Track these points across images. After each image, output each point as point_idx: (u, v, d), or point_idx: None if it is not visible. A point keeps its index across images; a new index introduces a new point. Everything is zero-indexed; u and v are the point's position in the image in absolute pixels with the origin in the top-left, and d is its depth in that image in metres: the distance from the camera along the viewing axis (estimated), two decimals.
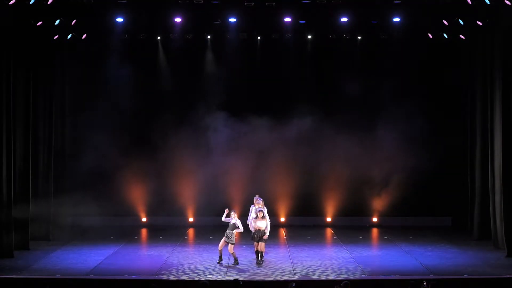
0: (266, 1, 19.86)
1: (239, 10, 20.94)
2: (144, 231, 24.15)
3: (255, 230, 17.97)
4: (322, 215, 24.75)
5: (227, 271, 17.09)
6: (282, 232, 22.90)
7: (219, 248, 18.08)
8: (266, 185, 23.77)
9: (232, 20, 21.72)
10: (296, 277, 16.38)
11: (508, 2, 18.64)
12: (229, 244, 17.85)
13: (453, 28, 21.85)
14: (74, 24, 21.48)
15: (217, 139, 23.91)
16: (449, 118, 24.44)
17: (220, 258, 18.08)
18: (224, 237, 17.95)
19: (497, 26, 19.75)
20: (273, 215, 21.63)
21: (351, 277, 16.26)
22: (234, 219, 18.02)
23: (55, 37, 22.07)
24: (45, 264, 17.88)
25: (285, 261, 18.41)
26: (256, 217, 18.12)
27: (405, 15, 21.25)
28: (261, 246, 17.91)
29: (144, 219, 24.92)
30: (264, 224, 17.88)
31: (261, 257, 18.01)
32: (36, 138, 21.10)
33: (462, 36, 22.54)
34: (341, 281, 13.35)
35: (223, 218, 18.11)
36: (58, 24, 21.06)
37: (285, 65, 24.41)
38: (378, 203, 24.75)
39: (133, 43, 23.75)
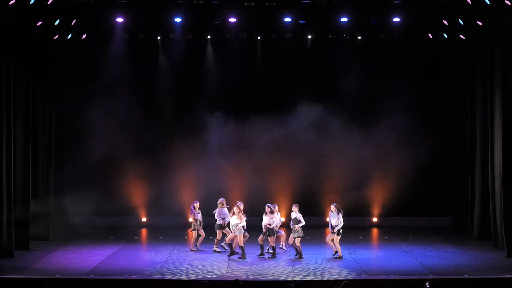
0: (266, 1, 19.87)
1: (239, 10, 20.95)
2: (144, 231, 24.16)
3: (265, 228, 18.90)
4: (322, 215, 24.71)
5: (227, 271, 17.09)
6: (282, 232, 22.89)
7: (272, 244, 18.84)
8: (266, 185, 23.81)
9: (232, 20, 21.72)
10: (296, 277, 16.39)
11: (508, 2, 18.64)
12: (296, 238, 18.61)
13: (453, 28, 21.85)
14: (74, 24, 21.48)
15: (217, 139, 23.93)
16: (449, 118, 24.44)
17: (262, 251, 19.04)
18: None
19: (497, 26, 19.74)
20: None
21: (351, 277, 16.26)
22: (295, 213, 18.80)
23: (55, 37, 22.05)
24: (45, 264, 17.88)
25: (285, 261, 18.42)
26: (265, 214, 18.88)
27: (405, 15, 21.24)
28: (271, 240, 18.80)
29: (144, 219, 24.93)
30: (269, 220, 18.77)
31: (274, 250, 18.97)
32: (36, 138, 21.09)
33: (462, 36, 22.54)
34: (341, 281, 13.36)
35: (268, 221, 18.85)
36: (58, 24, 21.05)
37: (285, 65, 24.41)
38: (378, 203, 24.76)
39: (133, 43, 23.75)
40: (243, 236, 18.77)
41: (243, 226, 18.79)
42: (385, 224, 24.68)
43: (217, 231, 19.62)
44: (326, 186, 24.12)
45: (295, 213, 18.91)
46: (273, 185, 24.01)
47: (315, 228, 24.00)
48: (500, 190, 19.37)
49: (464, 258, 18.78)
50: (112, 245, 20.70)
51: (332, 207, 19.03)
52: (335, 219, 18.88)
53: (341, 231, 18.85)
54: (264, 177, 24.00)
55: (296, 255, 18.90)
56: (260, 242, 19.08)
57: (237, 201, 19.63)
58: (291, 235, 18.91)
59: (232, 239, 18.89)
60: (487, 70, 20.68)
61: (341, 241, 21.40)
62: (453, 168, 24.07)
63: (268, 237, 18.79)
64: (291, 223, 18.96)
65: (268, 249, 19.21)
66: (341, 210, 18.96)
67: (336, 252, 18.96)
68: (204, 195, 22.29)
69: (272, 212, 18.86)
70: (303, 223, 18.76)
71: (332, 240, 18.98)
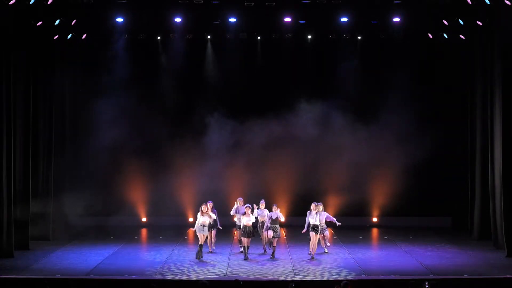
0: (266, 1, 19.89)
1: (239, 10, 20.98)
2: (144, 231, 24.17)
3: (243, 226, 18.71)
4: None
5: (227, 271, 17.10)
6: (282, 232, 22.87)
7: (247, 244, 18.64)
8: (266, 185, 23.84)
9: (232, 20, 21.75)
10: (296, 277, 16.39)
11: (508, 2, 18.64)
12: (276, 238, 18.74)
13: (453, 28, 21.86)
14: (74, 24, 21.50)
15: (217, 139, 23.92)
16: (449, 118, 24.44)
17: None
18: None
19: (497, 26, 19.74)
20: None
21: (351, 277, 16.26)
22: (276, 213, 18.84)
23: (55, 37, 22.05)
24: (45, 264, 17.88)
25: (285, 261, 18.43)
26: (245, 213, 18.77)
27: (405, 15, 21.27)
28: (248, 241, 18.69)
29: (144, 219, 24.94)
30: (250, 221, 18.73)
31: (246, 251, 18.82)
32: (36, 138, 21.10)
33: (462, 36, 22.55)
34: (341, 281, 13.36)
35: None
36: (58, 24, 21.07)
37: (285, 65, 24.42)
38: (378, 203, 24.76)
39: (133, 43, 23.76)
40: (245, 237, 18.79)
41: (209, 224, 18.71)
42: (385, 224, 24.69)
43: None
44: (326, 186, 24.11)
45: (276, 213, 18.94)
46: (273, 185, 24.02)
47: None
48: (500, 190, 19.37)
49: (464, 258, 18.78)
50: (112, 245, 20.70)
51: (321, 207, 19.07)
52: (317, 218, 18.73)
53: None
54: (264, 177, 24.00)
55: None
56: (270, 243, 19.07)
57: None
58: (273, 234, 18.82)
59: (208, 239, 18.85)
60: (487, 70, 20.68)
61: (341, 241, 21.51)
62: (453, 168, 24.07)
63: (243, 237, 18.68)
64: (271, 223, 18.89)
65: (241, 251, 19.18)
66: None
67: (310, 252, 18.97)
68: (205, 194, 22.28)
69: (252, 212, 18.81)
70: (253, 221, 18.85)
71: (318, 239, 18.95)
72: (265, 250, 19.37)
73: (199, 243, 18.53)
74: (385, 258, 19.09)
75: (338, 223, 19.60)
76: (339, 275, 16.49)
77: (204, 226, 18.58)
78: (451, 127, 24.28)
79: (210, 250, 19.43)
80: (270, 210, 19.12)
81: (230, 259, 18.58)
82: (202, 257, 18.40)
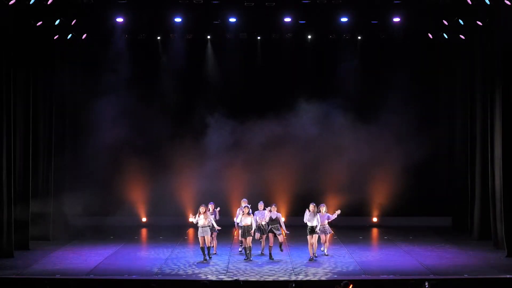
0: (266, 1, 19.89)
1: (239, 10, 20.98)
2: (144, 231, 24.17)
3: (243, 226, 18.53)
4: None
5: (227, 271, 17.09)
6: (282, 232, 22.90)
7: (249, 244, 18.43)
8: (266, 185, 23.82)
9: (232, 20, 21.76)
10: (296, 277, 16.39)
11: (508, 2, 18.63)
12: (279, 236, 18.72)
13: (453, 28, 21.86)
14: (74, 24, 21.50)
15: (217, 139, 23.92)
16: (449, 118, 24.46)
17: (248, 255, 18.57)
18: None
19: (497, 26, 19.74)
20: None
21: (351, 277, 16.24)
22: (275, 213, 18.83)
23: (55, 37, 22.05)
24: (45, 264, 17.88)
25: (285, 261, 18.43)
26: (243, 214, 18.64)
27: (405, 15, 21.27)
28: (249, 241, 18.47)
29: (144, 219, 24.94)
30: (250, 220, 18.54)
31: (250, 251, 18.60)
32: (36, 138, 21.09)
33: (462, 36, 22.55)
34: (341, 281, 13.33)
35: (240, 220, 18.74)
36: (58, 24, 21.07)
37: (285, 65, 24.43)
38: (378, 203, 24.76)
39: (133, 43, 23.77)
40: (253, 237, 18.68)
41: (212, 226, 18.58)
42: (385, 224, 24.69)
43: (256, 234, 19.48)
44: (326, 186, 24.11)
45: (276, 214, 18.88)
46: (273, 185, 24.01)
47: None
48: (500, 190, 19.36)
49: (464, 258, 18.77)
50: (112, 245, 20.70)
51: (324, 208, 19.01)
52: (314, 220, 18.56)
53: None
54: (264, 177, 23.99)
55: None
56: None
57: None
58: (275, 233, 18.76)
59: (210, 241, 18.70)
60: (487, 70, 20.68)
61: (341, 241, 21.51)
62: (453, 168, 24.08)
63: (243, 238, 18.57)
64: (270, 223, 18.81)
65: (240, 251, 19.19)
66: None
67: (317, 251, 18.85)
68: (204, 194, 22.30)
69: (249, 213, 18.67)
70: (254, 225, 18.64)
71: (319, 240, 18.86)
72: (262, 250, 19.32)
73: (200, 246, 18.45)
74: (385, 258, 19.08)
75: (338, 211, 19.30)
76: (339, 275, 16.49)
77: (203, 227, 18.49)
78: (451, 127, 24.31)
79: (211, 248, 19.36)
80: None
81: (230, 259, 18.58)
82: (206, 259, 18.25)
